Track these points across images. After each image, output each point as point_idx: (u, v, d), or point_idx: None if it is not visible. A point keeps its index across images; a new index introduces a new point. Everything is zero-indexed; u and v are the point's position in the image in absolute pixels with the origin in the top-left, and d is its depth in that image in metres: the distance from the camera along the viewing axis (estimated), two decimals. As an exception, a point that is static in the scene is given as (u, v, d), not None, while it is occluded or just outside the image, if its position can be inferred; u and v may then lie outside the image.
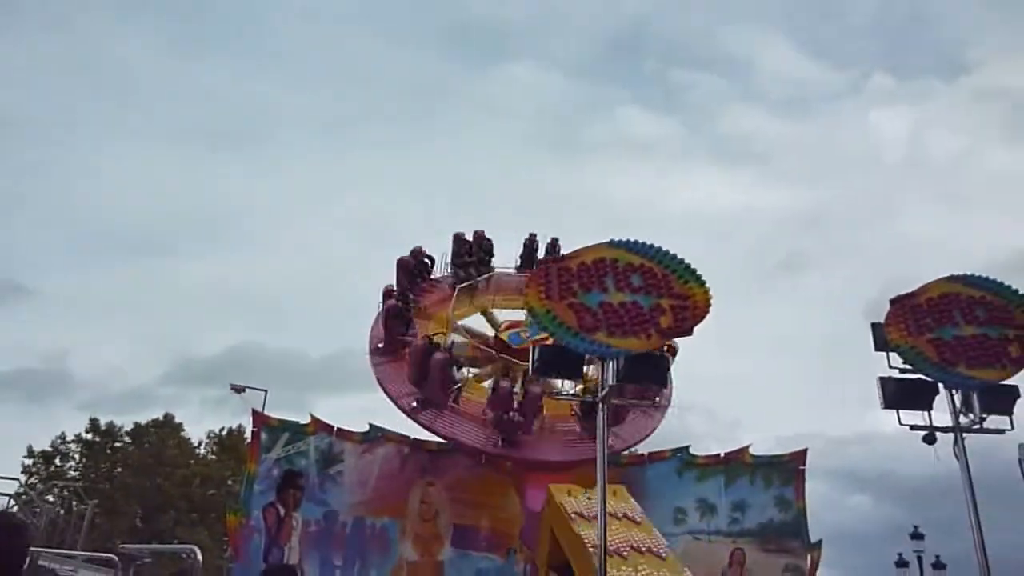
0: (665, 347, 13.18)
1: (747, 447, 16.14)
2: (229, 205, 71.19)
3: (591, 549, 9.33)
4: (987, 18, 75.30)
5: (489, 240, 16.98)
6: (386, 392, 14.65)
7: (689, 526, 14.54)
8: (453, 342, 14.51)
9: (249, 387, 20.12)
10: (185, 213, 65.77)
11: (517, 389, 13.52)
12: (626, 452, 14.95)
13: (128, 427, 32.26)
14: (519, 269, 16.62)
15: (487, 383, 14.79)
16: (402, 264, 16.06)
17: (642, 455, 16.41)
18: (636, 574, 9.62)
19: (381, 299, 15.58)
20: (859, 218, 69.45)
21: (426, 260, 16.44)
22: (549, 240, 16.46)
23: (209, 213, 69.99)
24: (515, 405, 13.02)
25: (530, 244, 16.88)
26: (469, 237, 16.91)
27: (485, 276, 16.50)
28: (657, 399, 12.63)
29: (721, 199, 71.34)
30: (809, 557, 14.32)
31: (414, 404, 13.94)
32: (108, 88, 69.59)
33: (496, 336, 15.49)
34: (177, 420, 33.12)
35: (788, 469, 14.96)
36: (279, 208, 71.59)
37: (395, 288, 15.65)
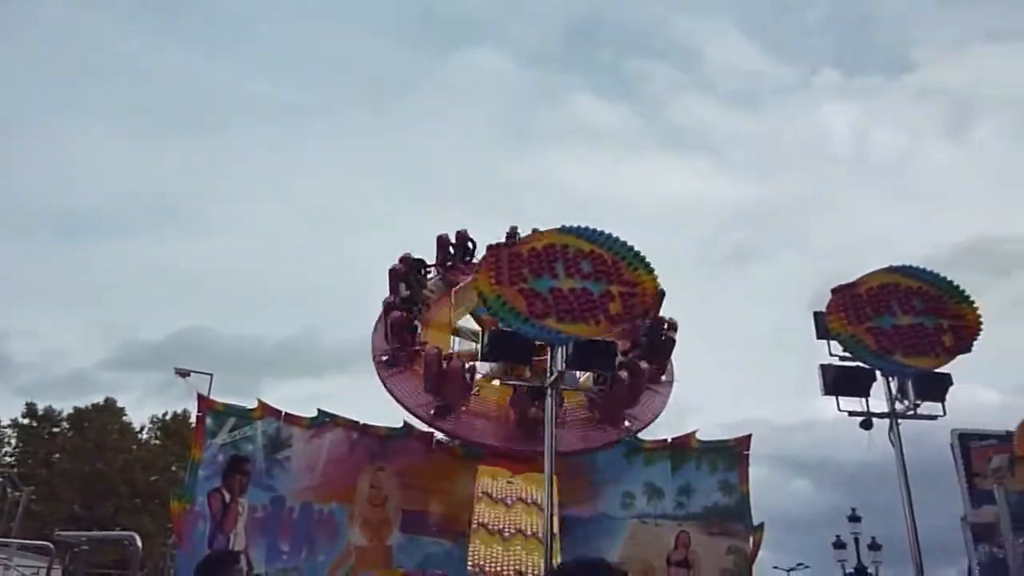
0: (665, 324, 13.46)
1: (693, 433, 16.44)
2: (182, 188, 69.55)
3: (474, 526, 10.25)
4: (930, 19, 77.52)
5: (473, 240, 16.69)
6: (401, 403, 14.44)
7: (637, 510, 14.76)
8: (456, 347, 14.49)
9: (195, 371, 19.73)
10: (135, 195, 64.12)
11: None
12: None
13: (67, 412, 31.42)
14: None
15: (495, 382, 14.58)
16: (395, 273, 15.67)
17: (590, 441, 16.61)
18: (505, 553, 9.96)
19: (382, 310, 15.23)
20: (807, 211, 71.19)
21: (421, 265, 15.99)
22: (509, 229, 16.30)
23: (160, 196, 68.23)
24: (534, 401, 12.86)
25: (511, 238, 16.68)
26: (453, 238, 16.61)
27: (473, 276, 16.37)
28: (663, 376, 13.04)
29: (674, 188, 72.34)
30: (751, 539, 14.68)
31: (432, 412, 13.70)
32: (56, 65, 67.02)
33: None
34: (119, 404, 32.34)
35: (733, 454, 15.28)
36: (233, 192, 70.24)
37: (393, 298, 15.29)
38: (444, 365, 12.50)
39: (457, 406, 13.14)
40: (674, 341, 13.55)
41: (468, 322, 16.15)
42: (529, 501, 10.75)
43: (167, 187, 69.09)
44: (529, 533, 10.30)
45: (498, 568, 10.15)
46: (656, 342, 13.40)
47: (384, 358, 14.60)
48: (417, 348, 14.17)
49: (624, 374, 11.69)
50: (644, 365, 12.44)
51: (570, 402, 13.45)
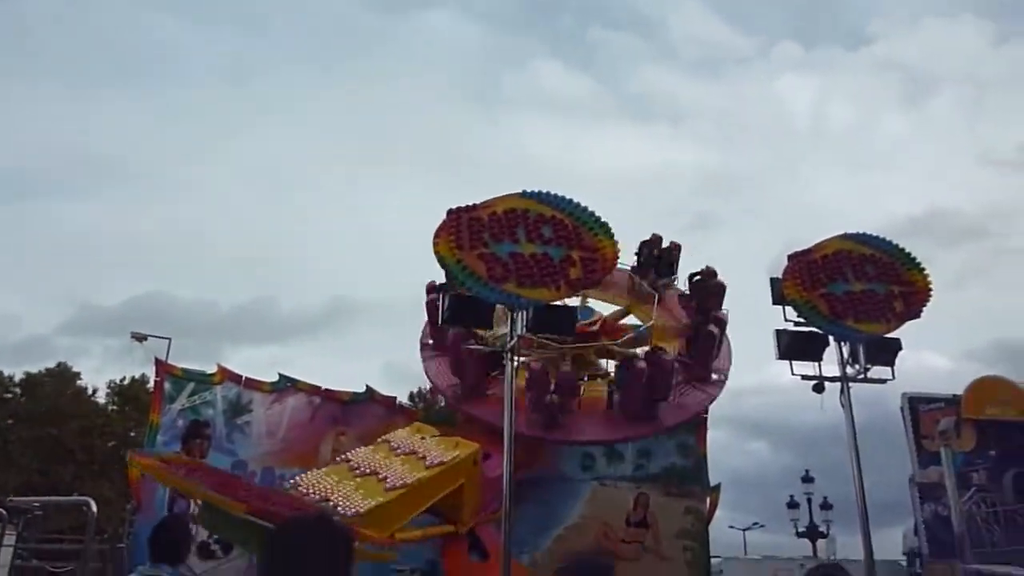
0: (715, 319, 12.69)
1: (654, 397, 16.76)
2: (133, 148, 67.37)
3: (339, 459, 10.32)
4: (889, -9, 78.04)
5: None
6: (433, 384, 14.43)
7: (596, 472, 14.98)
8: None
9: (152, 335, 19.38)
10: (83, 155, 61.99)
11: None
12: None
13: (19, 377, 30.77)
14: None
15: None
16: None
17: (553, 405, 16.78)
18: (334, 484, 9.46)
19: (425, 294, 14.83)
20: (766, 180, 71.97)
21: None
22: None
23: (110, 156, 66.14)
24: (551, 387, 12.49)
25: None
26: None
27: None
28: (715, 375, 12.48)
29: (635, 157, 72.48)
30: (708, 500, 15.03)
31: (459, 393, 13.54)
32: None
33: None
34: (75, 369, 31.76)
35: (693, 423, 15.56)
36: (186, 152, 68.36)
37: (433, 281, 14.83)
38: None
39: (482, 390, 12.87)
40: (713, 336, 12.50)
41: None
42: (420, 456, 10.07)
43: (116, 147, 67.09)
44: (383, 477, 9.52)
45: (311, 491, 9.34)
46: (701, 336, 12.58)
47: (429, 341, 14.51)
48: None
49: (642, 365, 11.47)
50: (668, 357, 11.85)
51: (589, 394, 12.96)
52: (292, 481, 9.98)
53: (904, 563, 18.56)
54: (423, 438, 10.71)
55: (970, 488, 15.70)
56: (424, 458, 10.02)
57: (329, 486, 9.32)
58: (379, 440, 10.79)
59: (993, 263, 66.86)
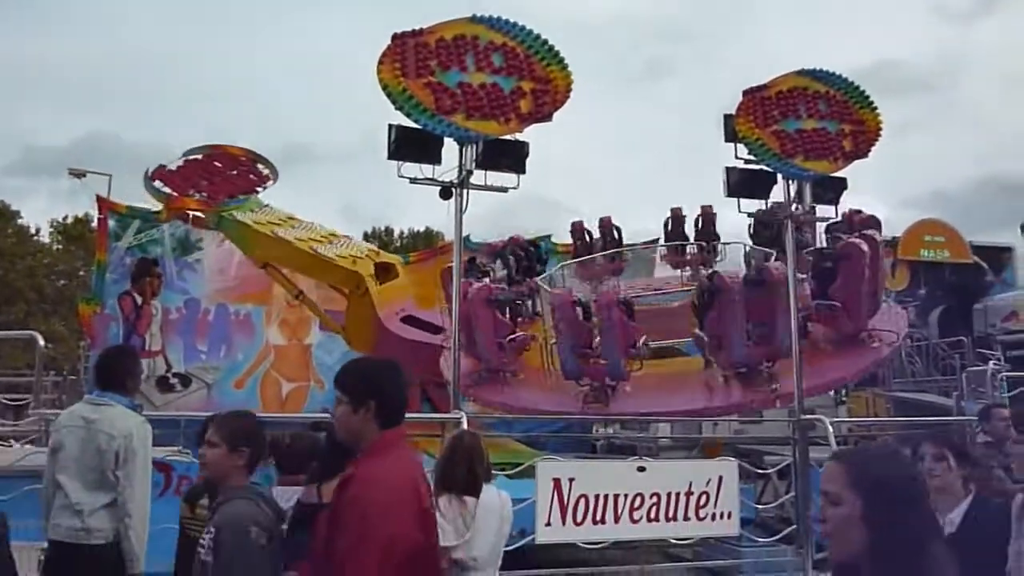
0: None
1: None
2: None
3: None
4: None
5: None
6: None
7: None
8: None
9: (91, 171, 18.66)
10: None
11: None
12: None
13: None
14: None
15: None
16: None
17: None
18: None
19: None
20: (719, 28, 69.61)
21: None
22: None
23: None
24: None
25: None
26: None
27: None
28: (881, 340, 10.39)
29: (587, 3, 68.90)
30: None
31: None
32: None
33: None
34: (13, 208, 30.75)
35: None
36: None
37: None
38: None
39: None
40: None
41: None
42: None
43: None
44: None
45: None
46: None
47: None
48: None
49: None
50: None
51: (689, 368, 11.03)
52: None
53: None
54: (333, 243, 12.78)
55: (898, 324, 16.69)
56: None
57: None
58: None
59: (936, 115, 67.40)
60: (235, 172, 13.21)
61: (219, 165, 13.24)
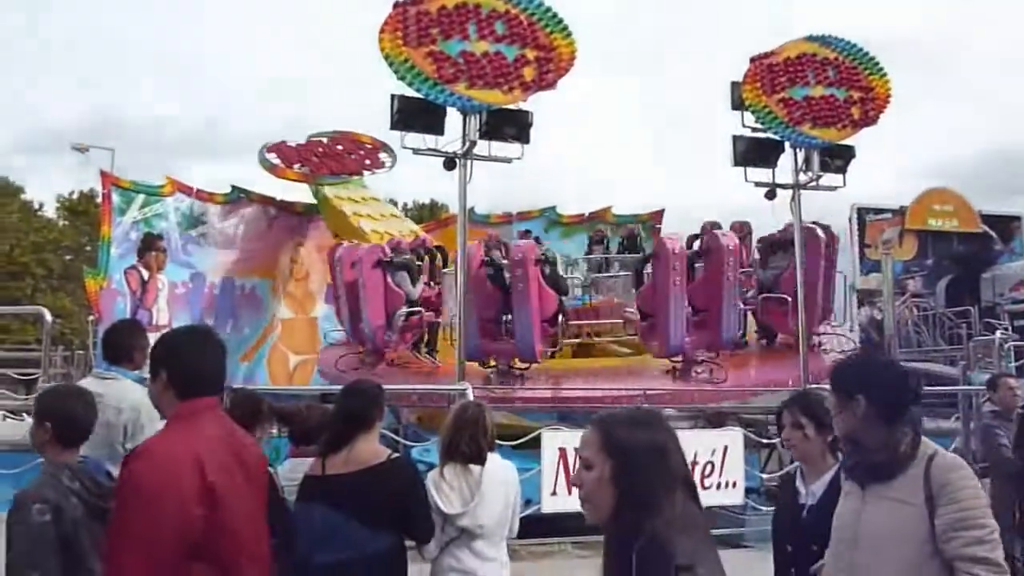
0: None
1: (609, 207, 16.93)
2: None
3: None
4: None
5: None
6: None
7: (553, 280, 15.48)
8: None
9: (93, 146, 18.63)
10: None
11: None
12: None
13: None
14: None
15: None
16: None
17: (510, 214, 16.92)
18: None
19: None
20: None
21: None
22: None
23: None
24: None
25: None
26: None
27: None
28: None
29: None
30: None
31: None
32: None
33: None
34: (17, 184, 30.80)
35: (646, 227, 15.85)
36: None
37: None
38: None
39: None
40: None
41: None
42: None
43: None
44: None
45: None
46: None
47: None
48: None
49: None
50: None
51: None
52: None
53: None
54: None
55: (904, 294, 16.64)
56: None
57: None
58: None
59: (943, 86, 66.42)
60: (352, 155, 15.20)
61: (340, 148, 15.33)
